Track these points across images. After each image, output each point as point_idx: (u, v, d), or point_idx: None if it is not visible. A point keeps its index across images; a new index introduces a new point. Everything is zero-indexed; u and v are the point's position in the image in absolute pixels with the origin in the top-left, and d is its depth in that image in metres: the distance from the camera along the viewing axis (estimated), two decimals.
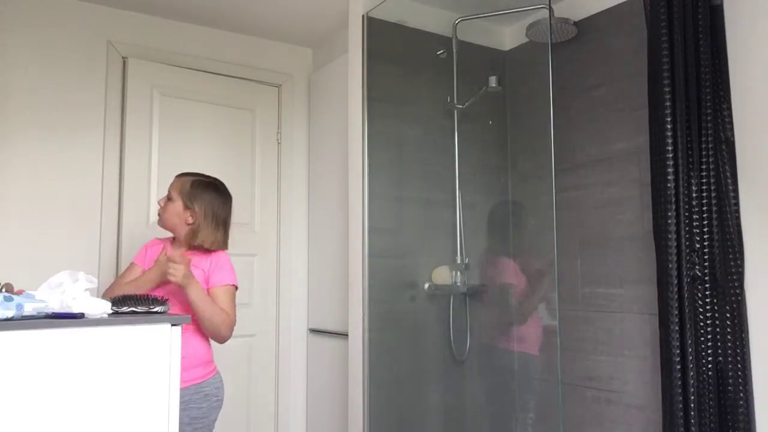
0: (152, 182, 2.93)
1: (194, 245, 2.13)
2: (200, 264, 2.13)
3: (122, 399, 1.31)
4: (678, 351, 1.92)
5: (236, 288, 2.16)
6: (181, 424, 2.02)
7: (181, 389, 2.01)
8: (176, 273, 1.97)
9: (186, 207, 2.12)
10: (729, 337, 1.94)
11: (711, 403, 1.92)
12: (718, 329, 1.96)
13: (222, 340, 2.11)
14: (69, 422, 1.25)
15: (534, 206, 2.89)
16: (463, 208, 2.86)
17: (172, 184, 2.17)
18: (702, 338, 1.95)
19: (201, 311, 2.02)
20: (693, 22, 2.03)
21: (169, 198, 2.15)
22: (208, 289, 2.10)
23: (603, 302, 2.49)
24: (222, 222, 2.18)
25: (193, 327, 2.08)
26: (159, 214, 2.18)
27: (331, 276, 3.18)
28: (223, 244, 2.19)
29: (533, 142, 2.89)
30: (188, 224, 2.13)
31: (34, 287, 1.41)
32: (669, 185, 1.97)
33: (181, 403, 2.02)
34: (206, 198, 2.14)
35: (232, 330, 2.12)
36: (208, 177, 2.23)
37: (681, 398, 1.90)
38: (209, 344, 2.15)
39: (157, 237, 2.33)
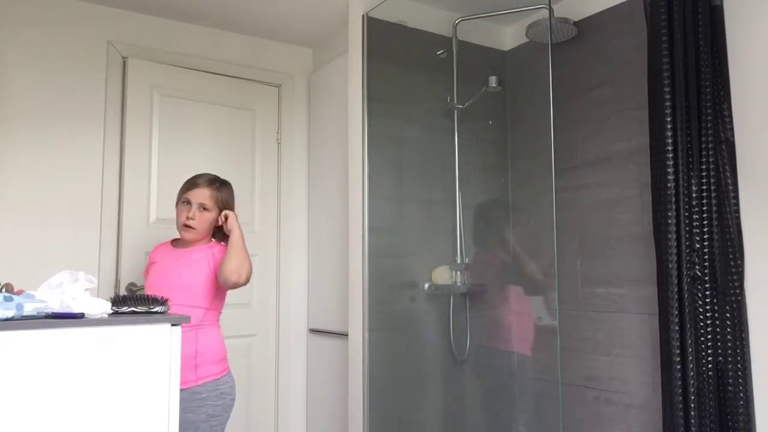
0: (152, 182, 2.92)
1: (222, 239, 2.28)
2: (205, 252, 2.24)
3: (122, 399, 1.31)
4: (678, 351, 1.92)
5: None
6: (199, 421, 2.05)
7: (198, 386, 2.07)
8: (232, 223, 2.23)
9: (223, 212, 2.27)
10: (729, 337, 1.94)
11: (711, 403, 1.92)
12: (718, 329, 1.96)
13: (244, 283, 2.18)
14: (69, 422, 1.25)
15: (534, 206, 2.89)
16: (463, 208, 2.86)
17: (200, 195, 2.23)
18: (702, 338, 1.95)
19: (237, 252, 2.16)
20: (693, 22, 2.03)
21: (204, 209, 2.23)
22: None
23: (603, 302, 2.49)
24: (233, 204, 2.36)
25: (211, 322, 2.19)
26: (189, 226, 2.21)
27: (331, 276, 3.18)
28: None
29: (533, 142, 2.89)
30: (218, 226, 2.27)
31: (34, 287, 1.42)
32: (669, 185, 1.97)
33: (199, 399, 2.07)
34: (230, 195, 2.32)
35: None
36: (215, 176, 2.33)
37: (681, 398, 1.91)
38: (223, 341, 2.23)
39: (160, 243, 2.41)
